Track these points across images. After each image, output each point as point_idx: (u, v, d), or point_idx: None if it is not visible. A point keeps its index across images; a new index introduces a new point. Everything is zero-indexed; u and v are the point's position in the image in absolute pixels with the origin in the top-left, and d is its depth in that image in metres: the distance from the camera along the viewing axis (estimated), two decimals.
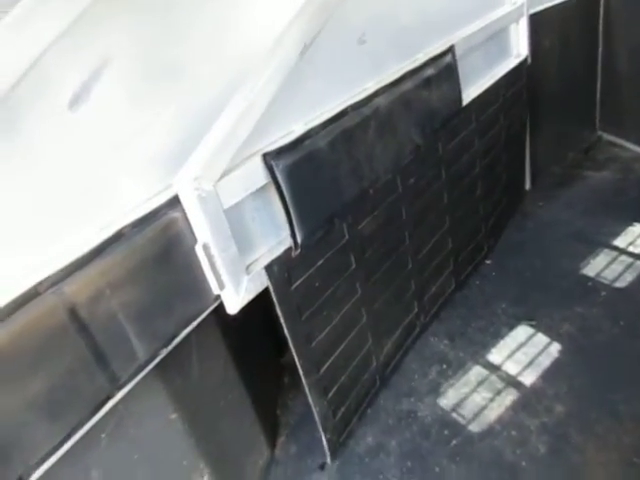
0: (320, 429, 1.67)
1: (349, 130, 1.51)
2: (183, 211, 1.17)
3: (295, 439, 1.90)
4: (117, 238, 1.08)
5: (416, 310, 2.11)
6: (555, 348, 1.99)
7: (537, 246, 2.59)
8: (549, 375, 1.89)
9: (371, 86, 1.63)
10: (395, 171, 1.77)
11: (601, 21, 3.05)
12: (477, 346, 2.10)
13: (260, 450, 1.79)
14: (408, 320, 2.08)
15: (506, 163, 2.62)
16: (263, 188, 1.33)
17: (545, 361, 1.95)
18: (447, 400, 1.90)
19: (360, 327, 1.78)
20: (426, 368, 2.06)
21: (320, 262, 1.53)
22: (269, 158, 1.30)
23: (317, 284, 1.54)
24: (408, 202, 1.89)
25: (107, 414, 1.14)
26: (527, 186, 3.04)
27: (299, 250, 1.43)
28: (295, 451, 1.86)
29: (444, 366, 2.05)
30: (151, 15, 1.12)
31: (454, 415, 1.84)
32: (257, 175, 1.29)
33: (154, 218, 1.14)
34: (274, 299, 1.38)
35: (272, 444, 1.86)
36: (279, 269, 1.38)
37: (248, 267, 1.35)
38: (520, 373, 1.93)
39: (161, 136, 1.16)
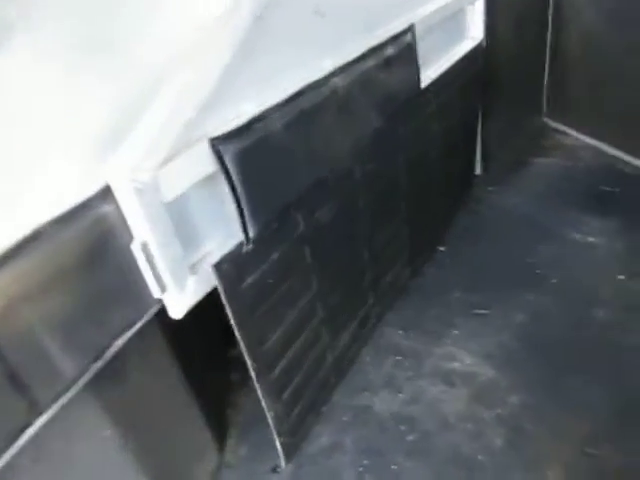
0: (274, 433, 1.57)
1: (307, 112, 1.37)
2: (117, 205, 1.00)
3: (246, 440, 1.80)
4: (35, 237, 0.90)
5: (372, 301, 2.04)
6: (508, 337, 2.00)
7: (489, 232, 2.59)
8: (503, 365, 1.89)
9: (329, 64, 1.49)
10: (354, 156, 1.67)
11: (551, 4, 3.04)
12: (431, 336, 2.07)
13: (209, 455, 1.67)
14: (363, 312, 2.01)
15: (461, 148, 2.58)
16: (210, 177, 1.17)
17: (499, 351, 1.95)
18: (403, 394, 1.86)
19: (315, 323, 1.69)
20: (381, 360, 2.01)
21: (274, 256, 1.41)
22: (217, 143, 1.14)
23: (271, 280, 1.42)
24: (365, 189, 1.79)
25: (29, 439, 0.98)
26: (477, 171, 3.04)
27: (251, 245, 1.30)
28: (246, 453, 1.76)
29: (399, 358, 2.01)
30: None
31: (410, 409, 1.80)
32: (203, 162, 1.13)
33: (81, 213, 0.96)
34: (224, 300, 1.24)
35: (221, 447, 1.75)
36: (229, 267, 1.24)
37: (194, 266, 1.21)
38: (475, 364, 1.92)
39: (89, 116, 0.97)
